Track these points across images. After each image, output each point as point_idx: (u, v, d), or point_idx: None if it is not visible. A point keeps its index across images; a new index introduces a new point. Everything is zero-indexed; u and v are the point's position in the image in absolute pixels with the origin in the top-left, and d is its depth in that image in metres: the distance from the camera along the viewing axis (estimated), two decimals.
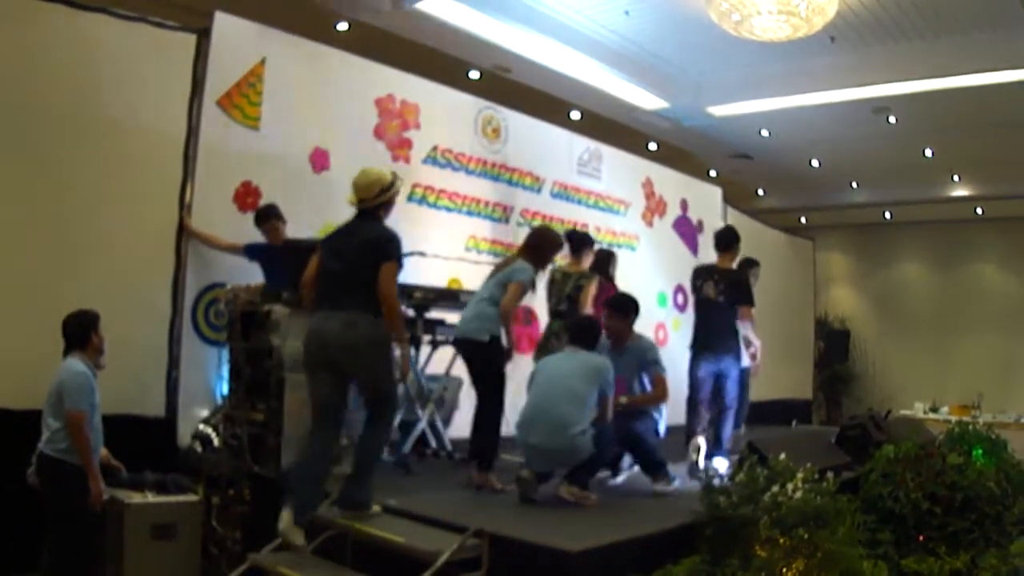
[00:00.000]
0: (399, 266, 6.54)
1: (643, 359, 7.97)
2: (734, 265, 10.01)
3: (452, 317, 8.97)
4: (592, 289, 9.36)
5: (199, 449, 8.17)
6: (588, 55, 12.93)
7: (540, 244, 8.19)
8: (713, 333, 9.43)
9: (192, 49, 8.77)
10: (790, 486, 5.69)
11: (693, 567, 5.34)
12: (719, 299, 9.45)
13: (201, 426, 8.35)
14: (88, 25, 8.17)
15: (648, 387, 8.07)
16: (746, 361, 10.72)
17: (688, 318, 12.76)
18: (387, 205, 6.75)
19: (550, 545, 5.37)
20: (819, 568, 5.35)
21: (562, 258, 9.41)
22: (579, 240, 9.85)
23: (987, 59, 12.49)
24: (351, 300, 6.34)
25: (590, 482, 7.16)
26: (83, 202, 8.09)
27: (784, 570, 5.27)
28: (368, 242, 6.46)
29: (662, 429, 8.15)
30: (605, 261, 10.51)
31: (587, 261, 9.84)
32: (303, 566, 6.06)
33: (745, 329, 10.65)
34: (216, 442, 8.14)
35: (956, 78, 13.04)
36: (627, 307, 8.23)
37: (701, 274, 9.74)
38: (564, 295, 9.36)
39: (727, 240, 9.88)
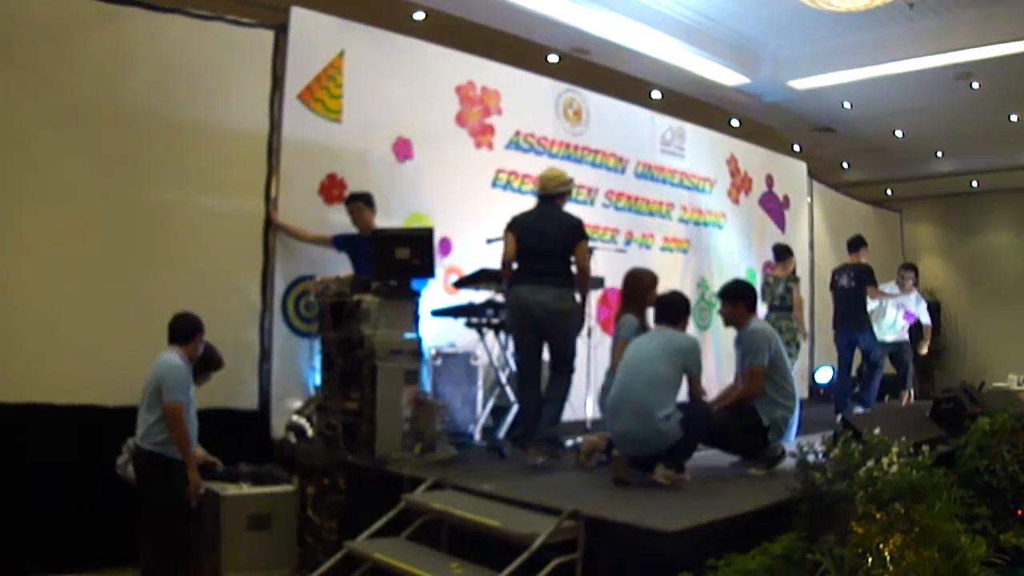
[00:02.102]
0: (588, 241, 8.21)
1: (743, 350, 7.82)
2: (862, 260, 12.44)
3: None
4: (798, 289, 12.68)
5: (293, 440, 8.26)
6: (666, 33, 12.86)
7: (632, 287, 8.61)
8: (847, 313, 12.24)
9: (270, 45, 8.89)
10: (885, 460, 5.63)
11: (790, 544, 5.31)
12: (851, 285, 12.14)
13: (295, 417, 8.45)
14: (166, 26, 8.32)
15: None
16: (892, 336, 13.11)
17: None
18: (564, 196, 8.36)
19: (646, 526, 5.35)
20: (916, 543, 5.30)
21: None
22: (781, 250, 13.03)
23: None
24: (555, 276, 7.93)
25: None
26: (170, 201, 8.25)
27: (881, 546, 5.22)
28: (567, 225, 8.11)
29: (791, 437, 7.62)
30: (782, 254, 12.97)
31: (790, 266, 12.81)
32: (399, 552, 6.14)
33: (890, 300, 13.14)
34: (310, 432, 8.24)
35: None
36: (732, 293, 8.08)
37: (839, 271, 12.52)
38: (776, 295, 12.44)
39: (856, 244, 12.57)
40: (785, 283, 12.55)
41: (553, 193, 8.26)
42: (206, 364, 7.39)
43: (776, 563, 5.15)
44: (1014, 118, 17.15)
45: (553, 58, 13.65)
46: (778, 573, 5.10)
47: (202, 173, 8.44)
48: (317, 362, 8.57)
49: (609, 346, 8.60)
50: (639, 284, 8.48)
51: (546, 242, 7.96)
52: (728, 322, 8.07)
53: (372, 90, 9.56)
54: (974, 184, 21.76)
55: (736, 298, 8.01)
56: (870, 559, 5.13)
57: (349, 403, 7.77)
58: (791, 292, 12.51)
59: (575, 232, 8.06)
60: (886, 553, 5.19)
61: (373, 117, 9.57)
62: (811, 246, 16.01)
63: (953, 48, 13.41)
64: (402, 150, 9.79)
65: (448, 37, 10.77)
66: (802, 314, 12.93)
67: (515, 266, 8.10)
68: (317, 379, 8.59)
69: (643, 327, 8.21)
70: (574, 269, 8.05)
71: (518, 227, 8.15)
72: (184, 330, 6.92)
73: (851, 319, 12.19)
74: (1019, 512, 7.31)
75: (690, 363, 7.18)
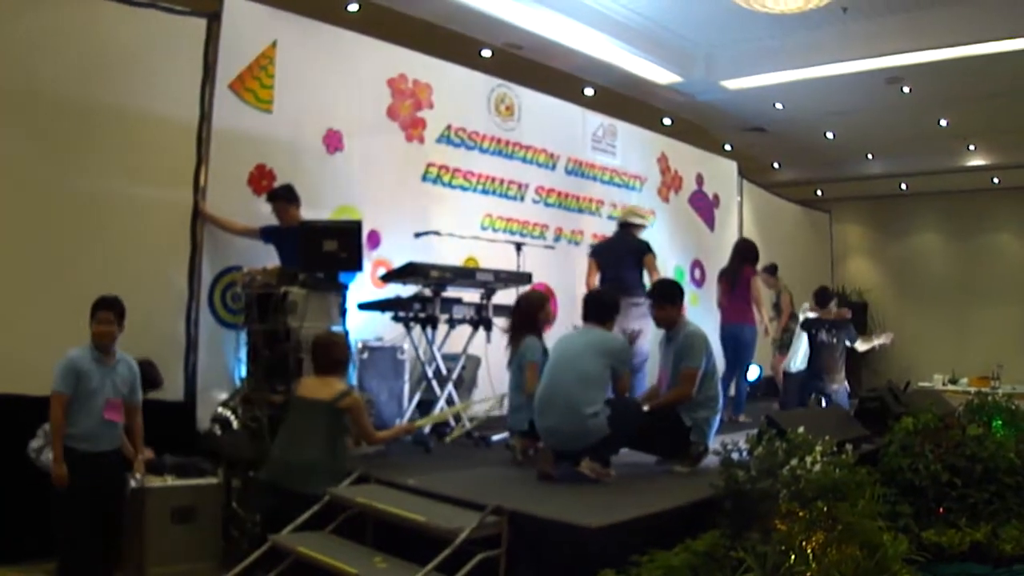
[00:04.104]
0: (654, 255, 10.53)
1: (678, 350, 7.73)
2: (832, 313, 12.62)
3: (469, 296, 9.00)
4: (787, 296, 13.85)
5: (218, 432, 8.19)
6: (600, 31, 12.90)
7: (525, 311, 8.32)
8: (825, 367, 12.00)
9: (203, 33, 8.79)
10: (809, 459, 5.65)
11: (713, 541, 5.33)
12: (833, 340, 12.02)
13: (220, 409, 8.37)
14: (99, 12, 8.19)
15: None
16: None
17: (704, 292, 12.91)
18: (639, 227, 10.93)
19: (570, 521, 5.35)
20: (839, 541, 5.32)
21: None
22: (772, 267, 14.01)
23: (1000, 27, 12.41)
24: (624, 283, 10.07)
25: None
26: (98, 190, 8.13)
27: (804, 543, 5.24)
28: (632, 246, 10.60)
29: (711, 436, 7.57)
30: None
31: (781, 283, 14.00)
32: (323, 546, 6.09)
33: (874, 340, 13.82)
34: (235, 425, 8.17)
35: (970, 46, 12.97)
36: (669, 295, 8.04)
37: (814, 324, 12.27)
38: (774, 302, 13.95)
39: (826, 298, 12.83)
40: (780, 292, 13.97)
41: (627, 222, 10.95)
42: (144, 382, 7.33)
43: (699, 560, 5.16)
44: (943, 122, 17.34)
45: (486, 53, 13.63)
46: (701, 570, 5.11)
47: (131, 162, 8.31)
48: (243, 354, 8.50)
49: (509, 365, 8.29)
50: (531, 306, 8.27)
51: (618, 260, 10.43)
52: (661, 323, 8.04)
53: (304, 81, 9.49)
54: (903, 186, 22.01)
55: (675, 299, 7.99)
56: (793, 556, 5.14)
57: (275, 396, 7.71)
58: (781, 297, 13.92)
59: (641, 249, 10.53)
60: (809, 550, 5.21)
61: (304, 108, 9.51)
62: None
63: (884, 53, 13.55)
64: (332, 142, 9.74)
65: (381, 29, 10.73)
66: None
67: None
68: (243, 371, 8.51)
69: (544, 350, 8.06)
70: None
71: (597, 253, 10.83)
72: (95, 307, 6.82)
73: (831, 374, 11.98)
74: (941, 510, 7.38)
75: (618, 363, 7.22)
